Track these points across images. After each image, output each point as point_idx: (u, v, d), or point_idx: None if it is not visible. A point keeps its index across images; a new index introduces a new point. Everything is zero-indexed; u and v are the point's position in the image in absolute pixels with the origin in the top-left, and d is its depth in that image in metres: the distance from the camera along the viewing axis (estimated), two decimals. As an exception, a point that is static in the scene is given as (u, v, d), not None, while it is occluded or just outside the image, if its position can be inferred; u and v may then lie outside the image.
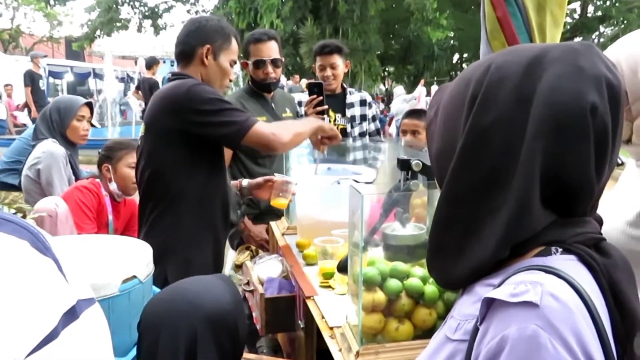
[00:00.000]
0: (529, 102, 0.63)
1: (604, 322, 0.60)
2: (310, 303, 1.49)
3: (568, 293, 0.59)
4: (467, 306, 0.69)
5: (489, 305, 0.61)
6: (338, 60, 2.83)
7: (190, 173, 1.75)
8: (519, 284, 0.60)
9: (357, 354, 1.17)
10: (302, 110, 2.69)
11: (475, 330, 0.62)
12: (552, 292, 0.58)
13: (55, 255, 0.51)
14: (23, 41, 19.96)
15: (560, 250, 0.66)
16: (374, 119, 3.01)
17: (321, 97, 2.38)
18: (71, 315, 0.50)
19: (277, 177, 2.04)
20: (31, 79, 9.19)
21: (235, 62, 1.89)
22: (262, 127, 1.70)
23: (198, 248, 1.78)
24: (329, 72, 2.82)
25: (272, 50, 2.46)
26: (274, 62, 2.46)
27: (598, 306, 0.61)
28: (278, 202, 1.99)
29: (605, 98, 0.63)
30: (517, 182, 0.63)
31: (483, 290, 0.66)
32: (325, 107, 2.42)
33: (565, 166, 0.64)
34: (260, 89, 2.54)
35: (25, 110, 9.94)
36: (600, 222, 0.73)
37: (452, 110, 0.72)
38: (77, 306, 0.51)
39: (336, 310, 1.40)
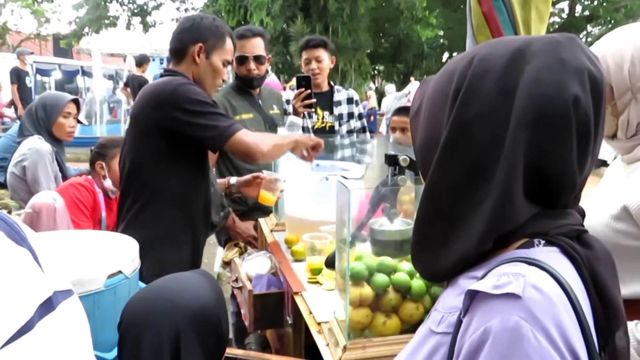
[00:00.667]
0: (512, 94, 0.63)
1: (585, 313, 0.61)
2: (298, 299, 1.49)
3: (550, 285, 0.59)
4: (450, 299, 0.69)
5: (472, 298, 0.61)
6: (323, 54, 2.84)
7: (169, 170, 1.75)
8: (501, 275, 0.60)
9: (345, 348, 1.18)
10: (289, 107, 2.68)
11: (459, 322, 0.62)
12: (534, 283, 0.58)
13: (31, 245, 0.50)
14: (10, 38, 19.71)
15: (542, 242, 0.66)
16: (360, 117, 3.03)
17: (309, 91, 2.38)
18: (47, 306, 0.49)
19: (266, 173, 2.02)
20: (17, 76, 9.09)
21: (229, 62, 1.87)
22: (245, 135, 1.71)
23: (176, 247, 1.78)
24: (314, 65, 2.82)
25: (255, 46, 2.46)
26: (257, 59, 2.46)
27: (580, 297, 0.61)
28: (266, 199, 1.98)
29: (587, 90, 0.64)
30: (500, 174, 0.63)
31: (466, 282, 0.66)
32: (313, 100, 2.42)
33: (547, 158, 0.64)
34: (244, 85, 2.54)
35: (12, 107, 9.83)
36: (582, 214, 0.73)
37: (435, 103, 0.72)
38: (54, 297, 0.50)
39: (324, 306, 1.40)
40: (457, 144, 0.66)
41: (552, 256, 0.65)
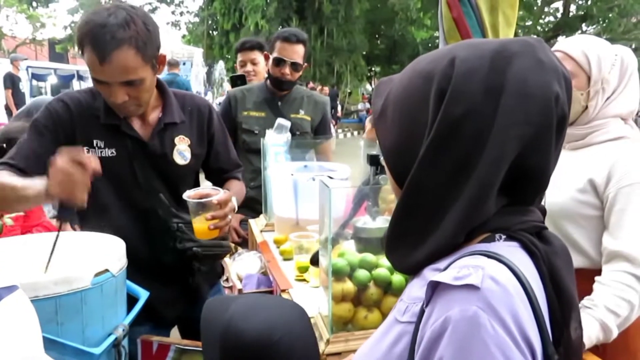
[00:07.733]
0: (498, 93, 0.66)
1: (541, 305, 0.64)
2: (285, 296, 1.52)
3: (507, 277, 0.62)
4: (415, 289, 0.71)
5: (434, 289, 0.64)
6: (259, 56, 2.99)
7: None
8: (462, 267, 0.63)
9: (328, 341, 1.21)
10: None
11: (422, 312, 0.65)
12: (492, 275, 0.61)
13: None
14: (5, 44, 19.72)
15: (503, 237, 0.69)
16: None
17: None
18: None
19: (185, 196, 1.45)
20: (11, 81, 9.16)
21: (96, 80, 1.35)
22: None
23: None
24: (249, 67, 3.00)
25: (296, 53, 2.48)
26: (294, 65, 2.49)
27: (536, 290, 0.64)
28: (199, 230, 1.45)
29: (563, 88, 0.68)
30: (482, 169, 0.66)
31: (430, 274, 0.69)
32: None
33: (532, 154, 0.67)
34: (273, 84, 2.57)
35: (6, 112, 9.87)
36: (543, 212, 0.76)
37: (410, 104, 0.73)
38: None
39: (310, 302, 1.42)
40: (444, 143, 0.68)
41: (511, 250, 0.68)
